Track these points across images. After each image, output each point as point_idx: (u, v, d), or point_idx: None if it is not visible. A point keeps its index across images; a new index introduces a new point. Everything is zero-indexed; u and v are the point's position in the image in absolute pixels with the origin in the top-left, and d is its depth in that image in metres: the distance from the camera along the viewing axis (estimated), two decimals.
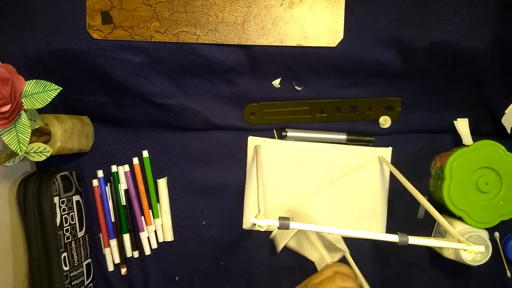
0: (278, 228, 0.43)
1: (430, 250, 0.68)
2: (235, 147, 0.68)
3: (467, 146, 0.61)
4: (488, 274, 0.68)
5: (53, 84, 0.50)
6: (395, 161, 0.67)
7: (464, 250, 0.46)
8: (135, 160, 0.67)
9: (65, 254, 0.60)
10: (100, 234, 0.68)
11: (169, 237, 0.68)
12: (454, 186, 0.60)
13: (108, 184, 0.67)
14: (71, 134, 0.59)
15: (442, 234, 0.65)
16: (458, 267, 0.64)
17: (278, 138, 0.68)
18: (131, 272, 0.68)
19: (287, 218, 0.43)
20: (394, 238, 0.44)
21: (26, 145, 0.48)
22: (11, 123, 0.47)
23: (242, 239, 0.68)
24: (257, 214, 0.44)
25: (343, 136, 0.66)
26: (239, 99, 0.65)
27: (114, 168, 0.67)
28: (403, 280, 0.69)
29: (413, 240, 0.44)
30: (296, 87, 0.64)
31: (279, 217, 0.43)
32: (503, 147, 0.60)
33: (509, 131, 0.62)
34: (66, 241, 0.61)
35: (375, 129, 0.67)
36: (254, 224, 0.43)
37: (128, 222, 0.67)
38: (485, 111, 0.65)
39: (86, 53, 0.58)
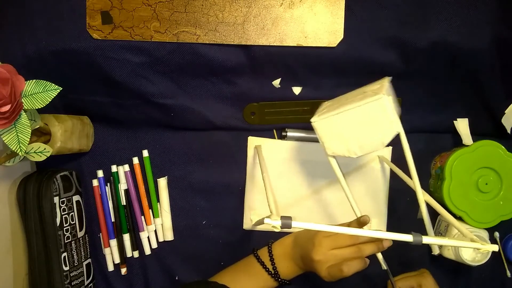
0: (281, 227, 0.42)
1: (430, 250, 0.68)
2: (235, 147, 0.68)
3: (467, 146, 0.62)
4: (488, 274, 0.68)
5: (53, 84, 0.50)
6: (395, 160, 0.67)
7: (478, 249, 0.45)
8: (135, 160, 0.67)
9: (65, 254, 0.60)
10: (100, 234, 0.68)
11: (169, 236, 0.68)
12: (454, 186, 0.60)
13: (108, 184, 0.67)
14: (71, 134, 0.59)
15: (442, 233, 0.65)
16: (458, 267, 0.64)
17: (278, 138, 0.68)
18: (131, 272, 0.68)
19: (290, 217, 0.42)
20: (408, 238, 0.43)
21: (26, 145, 0.48)
22: (11, 123, 0.47)
23: (242, 239, 0.68)
24: (270, 215, 0.43)
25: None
26: (239, 99, 0.65)
27: (114, 168, 0.67)
28: None
29: (427, 240, 0.43)
30: (294, 91, 0.64)
31: (281, 216, 0.43)
32: (503, 147, 0.60)
33: (509, 131, 0.62)
34: (66, 241, 0.61)
35: None
36: (257, 224, 0.43)
37: (128, 222, 0.67)
38: (485, 111, 0.65)
39: (86, 53, 0.58)
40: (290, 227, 0.42)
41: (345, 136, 0.50)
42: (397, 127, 0.48)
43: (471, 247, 0.45)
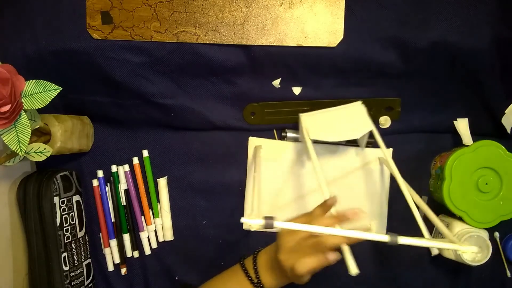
0: (264, 227, 0.42)
1: (430, 250, 0.68)
2: (235, 147, 0.68)
3: (467, 146, 0.61)
4: (488, 274, 0.68)
5: (53, 84, 0.50)
6: (395, 161, 0.67)
7: (457, 250, 0.45)
8: (135, 160, 0.67)
9: (65, 254, 0.60)
10: (100, 234, 0.68)
11: (169, 236, 0.68)
12: (454, 186, 0.60)
13: (108, 184, 0.67)
14: (71, 134, 0.59)
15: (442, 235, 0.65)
16: (458, 267, 0.64)
17: (278, 138, 0.68)
18: (131, 272, 0.68)
19: (272, 217, 0.42)
20: (384, 238, 0.43)
21: (26, 145, 0.48)
22: (11, 123, 0.47)
23: (242, 239, 0.68)
24: (249, 214, 0.43)
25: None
26: (239, 99, 0.65)
27: (114, 168, 0.67)
28: (403, 280, 0.69)
29: (404, 240, 0.43)
30: (294, 91, 0.64)
31: (264, 216, 0.42)
32: (503, 147, 0.60)
33: (509, 131, 0.62)
34: (66, 241, 0.61)
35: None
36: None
37: (128, 222, 0.67)
38: (485, 111, 0.65)
39: (86, 53, 0.58)
40: (272, 227, 0.41)
41: (326, 128, 0.61)
42: (370, 126, 0.60)
43: (449, 248, 0.45)
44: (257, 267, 0.55)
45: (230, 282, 0.57)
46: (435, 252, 0.62)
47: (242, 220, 0.42)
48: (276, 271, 0.53)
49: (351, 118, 0.62)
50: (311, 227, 0.42)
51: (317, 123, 0.61)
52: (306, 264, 0.45)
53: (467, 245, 0.45)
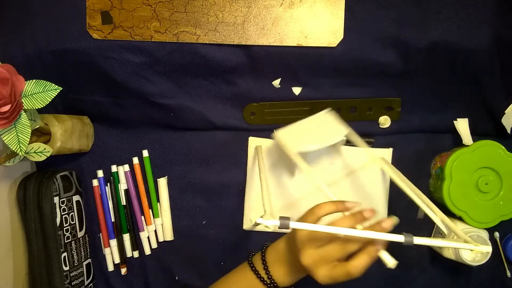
0: (279, 227, 0.42)
1: (430, 250, 0.68)
2: (235, 147, 0.68)
3: (467, 146, 0.61)
4: (488, 274, 0.68)
5: (53, 84, 0.50)
6: (395, 161, 0.67)
7: (471, 250, 0.45)
8: (135, 160, 0.67)
9: (65, 254, 0.60)
10: (100, 234, 0.68)
11: (169, 236, 0.68)
12: (454, 186, 0.60)
13: (108, 184, 0.67)
14: (71, 134, 0.59)
15: (442, 234, 0.65)
16: (458, 267, 0.64)
17: None
18: (131, 272, 0.68)
19: (287, 218, 0.43)
20: (399, 238, 0.43)
21: (26, 145, 0.48)
22: (11, 123, 0.47)
23: (242, 239, 0.68)
24: (263, 215, 0.43)
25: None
26: (239, 99, 0.65)
27: (114, 168, 0.67)
28: (403, 280, 0.69)
29: (419, 240, 0.43)
30: (294, 91, 0.64)
31: (280, 216, 0.43)
32: (503, 147, 0.60)
33: (509, 131, 0.62)
34: (66, 241, 0.61)
35: (375, 129, 0.67)
36: (256, 224, 0.43)
37: (128, 222, 0.67)
38: (485, 111, 0.65)
39: (86, 53, 0.58)
40: (288, 227, 0.42)
41: (303, 138, 0.59)
42: (346, 129, 0.60)
43: (464, 248, 0.45)
44: (267, 265, 0.53)
45: (240, 283, 0.55)
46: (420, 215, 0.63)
47: (258, 220, 0.41)
48: (291, 266, 0.52)
49: (326, 125, 0.61)
50: (325, 227, 0.42)
51: (295, 136, 0.59)
52: (361, 266, 0.45)
53: (481, 245, 0.45)
